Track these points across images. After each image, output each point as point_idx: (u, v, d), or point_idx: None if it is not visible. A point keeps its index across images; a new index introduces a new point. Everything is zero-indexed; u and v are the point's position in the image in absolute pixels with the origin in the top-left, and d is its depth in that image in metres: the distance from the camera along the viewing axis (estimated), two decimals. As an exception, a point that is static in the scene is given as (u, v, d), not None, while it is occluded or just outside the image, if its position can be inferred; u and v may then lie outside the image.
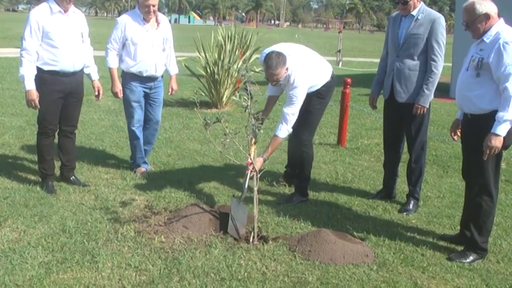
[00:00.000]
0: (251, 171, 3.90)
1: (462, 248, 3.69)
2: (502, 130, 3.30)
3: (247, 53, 9.28)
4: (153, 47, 4.91)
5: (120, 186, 4.76)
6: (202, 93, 9.13)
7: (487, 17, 3.39)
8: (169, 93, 5.38)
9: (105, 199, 4.41)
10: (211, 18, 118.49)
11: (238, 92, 8.63)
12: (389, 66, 4.48)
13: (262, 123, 3.81)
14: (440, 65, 4.28)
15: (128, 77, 4.98)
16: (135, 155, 5.19)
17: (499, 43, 3.31)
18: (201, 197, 4.53)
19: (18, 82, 7.80)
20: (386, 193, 4.77)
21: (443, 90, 9.92)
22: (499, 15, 3.44)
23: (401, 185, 4.91)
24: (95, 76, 4.79)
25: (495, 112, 3.33)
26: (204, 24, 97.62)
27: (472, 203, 3.63)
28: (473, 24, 3.43)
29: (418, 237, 3.94)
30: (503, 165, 5.27)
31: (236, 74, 8.83)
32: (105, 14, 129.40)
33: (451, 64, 11.22)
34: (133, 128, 5.07)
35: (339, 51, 19.55)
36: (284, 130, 4.24)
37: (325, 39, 41.59)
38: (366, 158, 6.24)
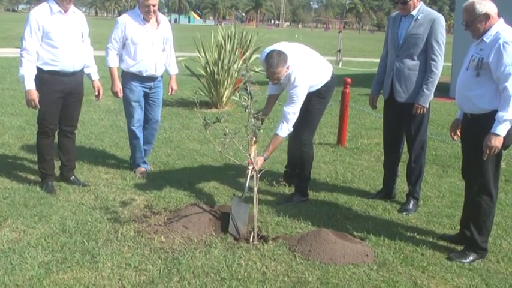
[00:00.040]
0: (252, 170, 3.90)
1: (462, 248, 3.69)
2: (501, 130, 3.30)
3: (247, 53, 9.29)
4: (153, 46, 4.92)
5: (120, 186, 4.76)
6: (202, 93, 9.14)
7: (486, 16, 3.39)
8: (169, 93, 5.38)
9: (105, 199, 4.41)
10: (211, 18, 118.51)
11: (238, 92, 8.69)
12: (389, 66, 4.48)
13: (262, 123, 3.81)
14: (440, 65, 4.28)
15: (127, 77, 4.98)
16: (135, 155, 5.19)
17: (499, 43, 3.31)
18: (201, 197, 4.53)
19: (18, 82, 7.81)
20: (386, 193, 4.77)
21: (443, 90, 9.92)
22: (499, 15, 3.44)
23: (401, 185, 4.91)
24: (95, 76, 4.79)
25: (495, 112, 3.33)
26: (204, 24, 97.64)
27: (471, 202, 3.63)
28: (473, 24, 3.43)
29: (418, 236, 3.94)
30: (503, 165, 5.27)
31: (236, 74, 8.83)
32: (105, 14, 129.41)
33: (451, 64, 11.22)
34: (133, 128, 5.08)
35: (339, 51, 19.55)
36: (285, 129, 4.25)
37: (325, 39, 41.59)
38: (365, 157, 6.24)
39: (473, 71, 3.45)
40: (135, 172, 5.12)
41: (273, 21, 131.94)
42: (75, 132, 4.81)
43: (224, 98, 9.03)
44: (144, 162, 5.26)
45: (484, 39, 3.42)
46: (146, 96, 5.08)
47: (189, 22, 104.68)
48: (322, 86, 4.52)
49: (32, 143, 5.61)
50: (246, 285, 3.13)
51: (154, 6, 4.77)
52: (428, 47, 4.25)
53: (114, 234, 3.72)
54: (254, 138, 3.89)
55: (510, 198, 4.92)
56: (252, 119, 3.63)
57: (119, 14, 72.03)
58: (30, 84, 4.28)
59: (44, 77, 4.34)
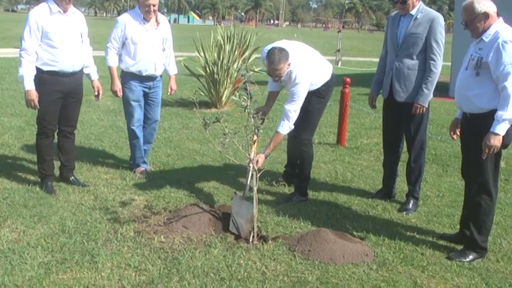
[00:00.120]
0: (252, 169, 3.89)
1: (462, 247, 3.69)
2: (501, 129, 3.30)
3: (247, 53, 9.28)
4: (152, 46, 4.92)
5: (120, 186, 4.76)
6: (202, 93, 9.13)
7: (486, 16, 3.39)
8: (168, 93, 5.38)
9: (105, 199, 4.41)
10: (210, 18, 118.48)
11: (237, 92, 8.68)
12: (389, 66, 4.48)
13: (262, 123, 3.81)
14: (440, 64, 4.28)
15: (127, 77, 4.98)
16: (135, 155, 5.19)
17: (498, 42, 3.31)
18: (201, 197, 4.53)
19: (18, 82, 7.80)
20: (386, 192, 4.77)
21: (443, 90, 9.93)
22: (498, 14, 3.44)
23: (401, 185, 4.91)
24: (95, 76, 4.79)
25: (494, 111, 3.33)
26: (203, 24, 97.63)
27: (471, 202, 3.64)
28: (472, 23, 3.44)
29: (417, 236, 3.95)
30: (502, 164, 5.27)
31: (235, 74, 8.83)
32: (105, 14, 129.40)
33: (450, 63, 11.23)
34: (133, 128, 5.08)
35: (338, 50, 19.56)
36: (286, 127, 4.25)
37: (324, 39, 41.59)
38: (365, 157, 6.24)
39: (472, 71, 3.45)
40: (134, 172, 5.12)
41: (272, 21, 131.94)
42: (74, 133, 4.81)
43: (223, 98, 9.03)
44: (144, 162, 5.26)
45: (483, 38, 3.42)
46: (145, 96, 5.08)
47: (188, 22, 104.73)
48: (322, 86, 4.52)
49: (32, 143, 5.61)
50: (245, 285, 3.13)
51: (154, 6, 4.77)
52: (428, 47, 4.25)
53: (113, 235, 3.72)
54: (255, 137, 3.90)
55: (510, 198, 4.92)
56: (252, 119, 3.63)
57: (118, 14, 72.02)
58: (29, 85, 4.28)
59: (43, 77, 4.34)
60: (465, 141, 3.68)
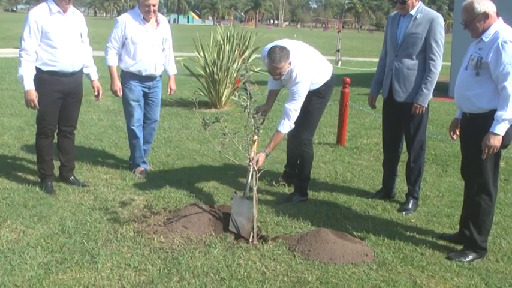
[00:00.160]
0: (252, 169, 3.89)
1: (461, 247, 3.69)
2: (500, 129, 3.30)
3: (246, 53, 9.28)
4: (152, 46, 4.92)
5: (120, 186, 4.76)
6: (201, 93, 9.13)
7: (485, 16, 3.39)
8: (168, 94, 5.38)
9: (105, 199, 4.41)
10: (210, 18, 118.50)
11: (237, 92, 8.68)
12: (388, 66, 4.48)
13: (262, 123, 3.81)
14: (439, 64, 4.28)
15: (127, 76, 4.99)
16: (134, 155, 5.19)
17: (498, 42, 3.31)
18: (201, 197, 4.53)
19: (17, 82, 7.80)
20: (386, 192, 4.78)
21: (442, 90, 9.93)
22: (498, 14, 3.44)
23: (401, 185, 4.91)
24: (94, 76, 4.79)
25: (494, 111, 3.33)
26: (203, 24, 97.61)
27: (471, 202, 3.64)
28: (472, 23, 3.44)
29: (417, 236, 3.95)
30: (502, 164, 5.27)
31: (235, 74, 8.83)
32: (104, 14, 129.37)
33: (450, 63, 11.23)
34: (132, 127, 5.08)
35: (338, 50, 19.56)
36: (286, 125, 4.25)
37: (324, 39, 41.58)
38: (365, 157, 6.24)
39: (472, 71, 3.46)
40: (134, 172, 5.12)
41: (272, 21, 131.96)
42: (74, 133, 4.81)
43: (223, 98, 9.03)
44: (144, 162, 5.26)
45: (483, 38, 3.42)
46: (145, 95, 5.08)
47: (188, 22, 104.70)
48: (322, 85, 4.52)
49: (31, 143, 5.61)
50: (245, 285, 3.13)
51: (154, 6, 4.78)
52: (427, 47, 4.25)
53: (113, 235, 3.72)
54: (255, 137, 3.90)
55: (509, 198, 4.92)
56: (252, 119, 3.63)
57: (118, 14, 72.10)
58: (29, 85, 4.28)
59: (43, 77, 4.34)
60: (465, 141, 3.68)
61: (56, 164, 4.78)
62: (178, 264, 3.33)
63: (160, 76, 5.16)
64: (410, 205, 4.50)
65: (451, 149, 6.62)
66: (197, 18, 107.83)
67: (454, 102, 3.78)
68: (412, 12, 4.30)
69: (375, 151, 6.43)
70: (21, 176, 4.89)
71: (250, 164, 3.85)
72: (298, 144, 4.58)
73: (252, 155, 3.92)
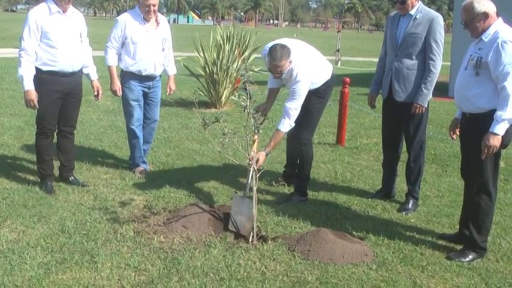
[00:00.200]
0: (253, 167, 3.88)
1: (461, 247, 3.69)
2: (500, 129, 3.30)
3: (246, 53, 9.28)
4: (152, 46, 4.92)
5: (119, 186, 4.76)
6: (201, 93, 9.13)
7: (485, 15, 3.39)
8: (167, 94, 5.38)
9: (104, 199, 4.41)
10: (210, 18, 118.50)
11: (237, 92, 8.69)
12: (388, 66, 4.48)
13: (262, 123, 3.81)
14: (439, 64, 4.28)
15: (127, 76, 4.99)
16: (134, 155, 5.19)
17: (498, 42, 3.31)
18: (200, 197, 4.53)
19: (17, 82, 7.81)
20: (386, 192, 4.78)
21: (442, 90, 9.93)
22: (498, 14, 3.44)
23: (401, 184, 4.91)
24: (94, 76, 4.79)
25: (494, 111, 3.33)
26: (203, 24, 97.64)
27: (471, 202, 3.64)
28: (472, 23, 3.44)
29: (417, 236, 3.95)
30: (501, 164, 5.28)
31: (235, 74, 8.83)
32: (104, 14, 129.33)
33: (449, 63, 11.23)
34: (132, 127, 5.08)
35: (338, 50, 19.56)
36: (286, 124, 4.25)
37: (323, 39, 41.56)
38: (365, 157, 6.24)
39: (472, 71, 3.46)
40: (134, 172, 5.12)
41: (271, 21, 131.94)
42: (74, 133, 4.81)
43: (223, 98, 9.03)
44: (143, 162, 5.26)
45: (483, 38, 3.42)
46: (145, 95, 5.08)
47: (187, 22, 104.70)
48: (322, 85, 4.52)
49: (31, 143, 5.61)
50: (245, 285, 3.13)
51: (154, 6, 4.78)
52: (427, 47, 4.25)
53: (113, 235, 3.72)
54: (255, 136, 3.89)
55: (509, 198, 4.92)
56: (252, 119, 3.63)
57: (118, 14, 72.04)
58: (29, 85, 4.28)
59: (42, 77, 4.34)
60: (464, 141, 3.68)
61: (56, 164, 4.77)
62: (178, 264, 3.33)
63: (160, 76, 5.16)
64: (410, 205, 4.50)
65: (450, 149, 6.62)
66: (197, 18, 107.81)
67: (453, 102, 3.79)
68: (412, 12, 4.30)
69: (375, 151, 6.43)
70: (21, 176, 4.89)
71: (250, 163, 3.85)
72: (298, 144, 4.58)
73: (252, 154, 3.92)
